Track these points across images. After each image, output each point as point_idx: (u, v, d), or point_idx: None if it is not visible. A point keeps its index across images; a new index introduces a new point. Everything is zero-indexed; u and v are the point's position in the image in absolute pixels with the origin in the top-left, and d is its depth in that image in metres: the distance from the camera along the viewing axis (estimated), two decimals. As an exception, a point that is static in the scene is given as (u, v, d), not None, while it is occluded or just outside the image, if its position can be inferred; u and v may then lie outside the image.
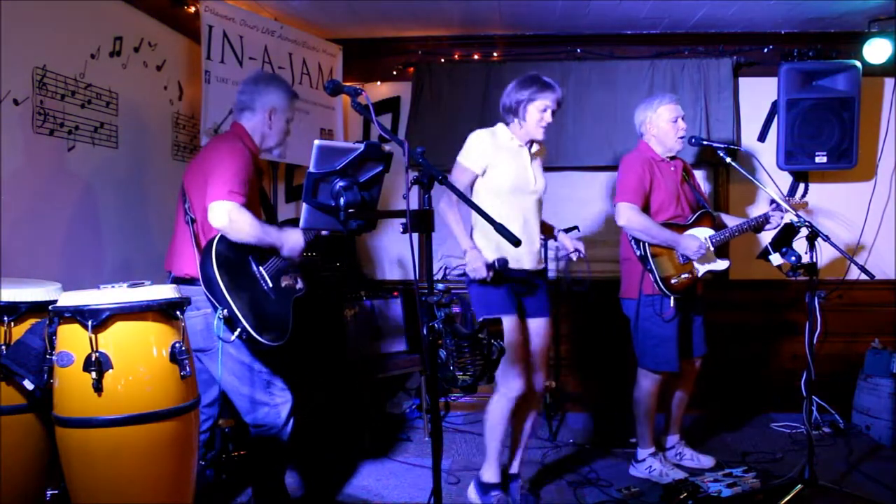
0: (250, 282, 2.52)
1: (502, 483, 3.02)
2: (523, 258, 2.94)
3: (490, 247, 2.92)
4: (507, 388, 2.87)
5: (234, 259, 2.49)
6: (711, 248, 3.31)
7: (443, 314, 1.98)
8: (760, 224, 3.36)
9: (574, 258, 3.11)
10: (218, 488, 3.06)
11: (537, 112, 2.91)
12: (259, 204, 2.71)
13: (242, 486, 3.16)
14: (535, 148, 3.04)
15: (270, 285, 2.59)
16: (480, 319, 2.26)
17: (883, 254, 4.48)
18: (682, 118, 3.38)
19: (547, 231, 3.20)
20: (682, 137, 3.36)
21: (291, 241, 2.62)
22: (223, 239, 2.46)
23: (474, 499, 3.02)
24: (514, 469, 3.11)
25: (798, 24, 4.38)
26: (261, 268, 2.58)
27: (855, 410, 4.17)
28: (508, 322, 2.86)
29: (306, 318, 4.00)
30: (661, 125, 3.35)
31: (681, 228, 3.32)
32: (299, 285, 2.70)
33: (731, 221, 3.47)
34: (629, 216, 3.22)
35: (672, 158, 3.42)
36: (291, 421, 2.68)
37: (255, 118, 2.73)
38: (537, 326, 3.03)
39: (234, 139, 2.66)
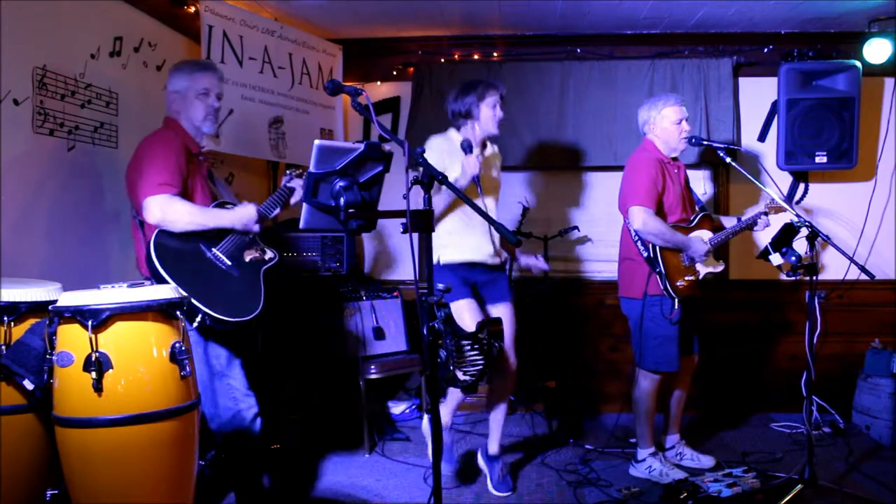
0: (204, 267, 2.52)
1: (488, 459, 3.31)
2: (482, 254, 3.21)
3: (452, 244, 3.16)
4: None
5: (182, 248, 2.49)
6: (711, 251, 3.35)
7: (443, 314, 1.98)
8: (750, 226, 3.43)
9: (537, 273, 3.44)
10: (212, 486, 3.06)
11: (489, 109, 3.17)
12: (205, 189, 2.71)
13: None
14: (488, 151, 3.29)
15: (229, 263, 2.59)
16: (480, 320, 2.27)
17: (883, 254, 4.48)
18: (686, 120, 3.39)
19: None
20: (685, 139, 3.38)
21: (242, 216, 2.64)
22: (163, 232, 2.46)
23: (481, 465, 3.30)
24: (494, 450, 3.29)
25: (798, 24, 4.38)
26: (213, 250, 2.58)
27: (855, 410, 4.17)
28: (460, 304, 3.06)
29: (306, 318, 4.02)
30: (665, 126, 3.36)
31: (685, 230, 3.34)
32: (269, 255, 2.73)
33: (726, 223, 3.52)
34: (644, 219, 3.21)
35: (674, 160, 3.44)
36: (259, 420, 2.69)
37: (172, 107, 2.75)
38: (500, 312, 3.19)
39: (162, 130, 2.70)
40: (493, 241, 3.22)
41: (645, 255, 3.27)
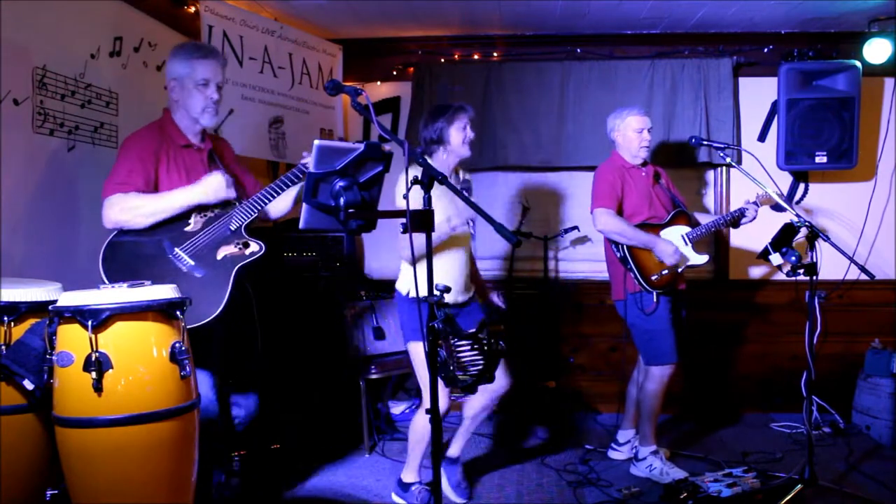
0: (160, 268, 2.38)
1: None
2: (456, 293, 3.05)
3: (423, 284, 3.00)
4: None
5: (139, 249, 2.38)
6: (689, 245, 3.40)
7: (443, 314, 1.98)
8: (736, 219, 3.48)
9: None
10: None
11: (459, 132, 3.05)
12: (192, 181, 2.54)
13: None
14: (462, 176, 3.19)
15: (192, 264, 2.42)
16: (480, 320, 2.27)
17: (883, 254, 4.48)
18: (649, 130, 3.49)
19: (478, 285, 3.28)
20: (645, 147, 3.48)
21: (208, 186, 2.46)
22: (123, 232, 2.39)
23: (396, 499, 3.14)
24: (455, 453, 3.25)
25: (798, 24, 4.38)
26: (176, 249, 2.43)
27: (855, 410, 4.17)
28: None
29: (306, 318, 4.02)
30: (628, 134, 3.47)
31: (657, 228, 3.41)
32: (251, 249, 2.51)
33: (705, 220, 3.56)
34: (604, 220, 3.34)
35: (644, 165, 3.52)
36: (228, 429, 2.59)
37: (171, 95, 2.61)
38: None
39: (147, 125, 2.61)
40: (463, 281, 3.09)
41: (618, 255, 3.37)
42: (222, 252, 2.47)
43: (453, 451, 3.26)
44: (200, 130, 2.66)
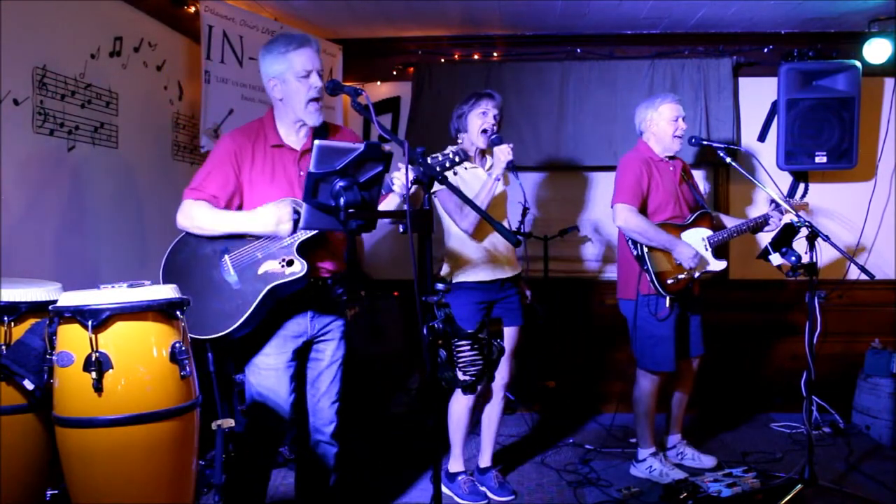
0: (207, 275, 2.32)
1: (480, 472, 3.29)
2: (502, 266, 3.11)
3: (468, 263, 3.07)
4: None
5: (198, 252, 2.35)
6: (709, 249, 3.33)
7: (443, 314, 1.98)
8: (759, 225, 3.40)
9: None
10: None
11: (477, 118, 3.09)
12: (278, 181, 2.39)
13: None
14: (488, 164, 3.16)
15: (233, 274, 2.31)
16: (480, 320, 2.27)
17: (883, 254, 4.48)
18: (683, 119, 3.38)
19: None
20: (679, 137, 3.37)
21: (262, 218, 2.28)
22: (189, 234, 2.37)
23: (444, 490, 3.17)
24: (487, 462, 3.31)
25: (798, 24, 4.38)
26: (226, 256, 2.34)
27: (855, 410, 4.17)
28: None
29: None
30: (661, 124, 3.35)
31: (679, 229, 3.32)
32: (292, 269, 2.29)
33: (729, 222, 3.49)
34: (626, 217, 3.23)
35: (672, 158, 3.43)
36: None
37: (273, 97, 2.43)
38: (507, 335, 3.13)
39: (246, 124, 2.48)
40: (507, 255, 3.14)
41: (634, 253, 3.28)
42: (265, 267, 2.30)
43: (483, 461, 3.31)
44: (306, 128, 2.47)
